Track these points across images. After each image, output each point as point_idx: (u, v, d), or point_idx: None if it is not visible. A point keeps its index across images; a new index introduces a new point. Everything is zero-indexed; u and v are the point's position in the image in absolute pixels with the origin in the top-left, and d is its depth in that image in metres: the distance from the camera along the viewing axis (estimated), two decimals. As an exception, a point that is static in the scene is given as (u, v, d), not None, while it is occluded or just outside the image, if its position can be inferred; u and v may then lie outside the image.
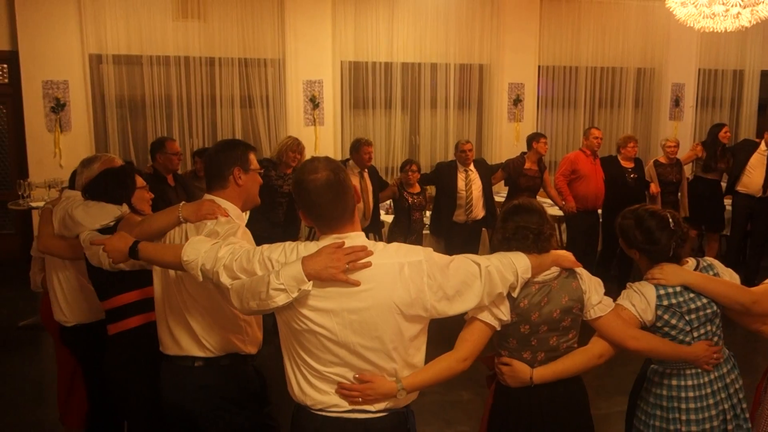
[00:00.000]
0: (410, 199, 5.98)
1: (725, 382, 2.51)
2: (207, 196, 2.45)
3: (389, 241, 5.96)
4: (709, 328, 2.48)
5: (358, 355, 1.91)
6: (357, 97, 8.44)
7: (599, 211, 6.76)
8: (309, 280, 1.83)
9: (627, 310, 2.42)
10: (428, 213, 6.47)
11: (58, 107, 7.25)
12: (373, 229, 5.96)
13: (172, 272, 2.37)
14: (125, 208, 2.82)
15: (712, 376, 2.49)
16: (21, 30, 7.08)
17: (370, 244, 1.93)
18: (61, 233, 2.92)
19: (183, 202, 2.45)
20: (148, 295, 2.69)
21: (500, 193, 7.08)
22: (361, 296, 1.88)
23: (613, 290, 2.50)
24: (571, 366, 2.35)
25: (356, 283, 1.86)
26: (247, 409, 2.44)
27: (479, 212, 6.27)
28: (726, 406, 2.49)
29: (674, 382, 2.49)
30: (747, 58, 9.88)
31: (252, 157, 2.48)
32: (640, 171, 6.79)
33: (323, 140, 8.08)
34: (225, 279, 1.99)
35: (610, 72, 9.48)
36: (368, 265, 1.87)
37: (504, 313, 2.20)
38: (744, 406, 2.56)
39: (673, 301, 2.43)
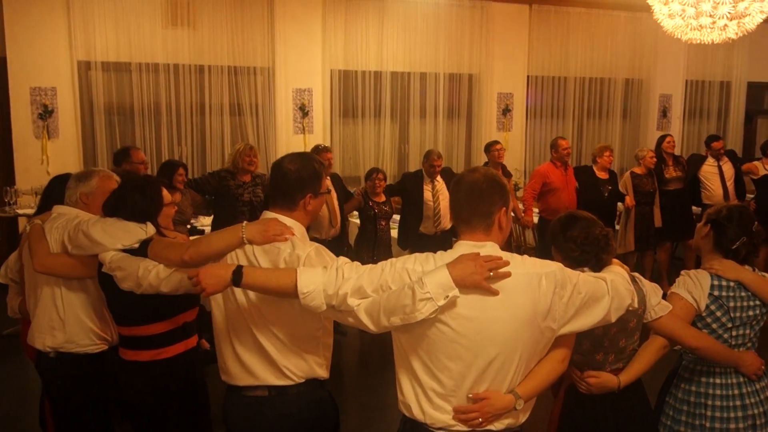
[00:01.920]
0: (376, 209, 5.91)
1: (755, 388, 2.56)
2: (269, 214, 2.29)
3: (356, 250, 5.96)
4: (747, 331, 2.55)
5: (490, 366, 1.88)
6: (346, 105, 8.45)
7: None
8: (456, 287, 1.81)
9: (683, 299, 2.49)
10: (396, 220, 6.38)
11: (45, 114, 7.20)
12: (342, 238, 5.88)
13: (242, 301, 2.20)
14: (150, 228, 2.54)
15: (741, 379, 2.55)
16: (9, 36, 7.04)
17: (508, 256, 1.91)
18: (68, 251, 2.66)
19: (245, 221, 2.20)
20: (177, 324, 2.59)
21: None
22: (504, 305, 1.86)
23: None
24: (646, 363, 2.44)
25: (496, 292, 1.84)
26: None
27: (447, 223, 6.17)
28: (756, 411, 2.54)
29: (703, 379, 2.57)
30: (734, 70, 9.99)
31: (324, 179, 2.37)
32: (614, 183, 6.79)
33: (311, 149, 8.07)
34: (352, 301, 1.91)
35: (598, 82, 9.55)
36: (508, 274, 1.86)
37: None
38: None
39: (724, 293, 2.51)
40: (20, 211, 6.26)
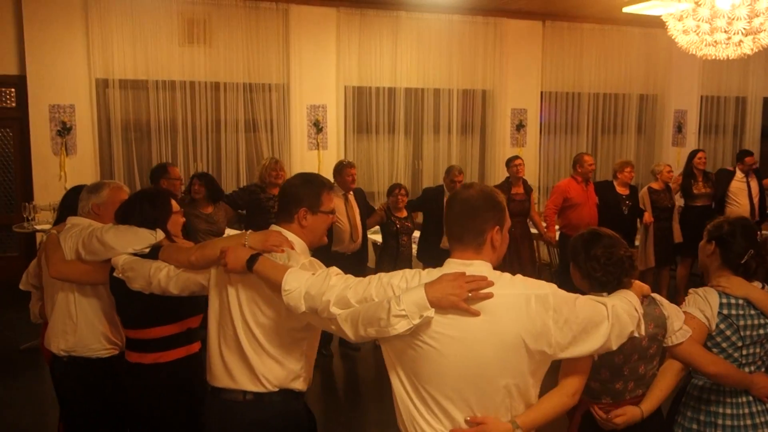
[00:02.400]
0: (398, 224, 5.92)
1: (765, 407, 2.52)
2: (274, 227, 2.38)
3: (378, 265, 5.95)
4: (758, 350, 2.50)
5: (476, 388, 1.83)
6: (360, 121, 8.49)
7: None
8: (431, 307, 1.78)
9: (696, 318, 2.44)
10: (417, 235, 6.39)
11: (64, 131, 7.30)
12: (362, 252, 5.91)
13: (234, 302, 2.29)
14: (160, 234, 2.70)
15: (750, 398, 2.50)
16: (29, 54, 7.16)
17: (496, 275, 1.87)
18: (82, 258, 2.81)
19: (250, 230, 2.36)
20: (181, 329, 2.67)
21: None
22: (486, 326, 1.80)
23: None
24: (667, 389, 2.39)
25: (476, 313, 1.79)
26: None
27: None
28: (766, 430, 2.50)
29: (713, 397, 2.52)
30: (749, 86, 9.94)
31: (324, 198, 2.38)
32: (635, 198, 6.73)
33: (326, 164, 8.09)
34: (334, 309, 1.92)
35: (612, 98, 9.54)
36: (489, 296, 1.81)
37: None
38: None
39: (733, 312, 2.46)
40: (38, 227, 6.31)
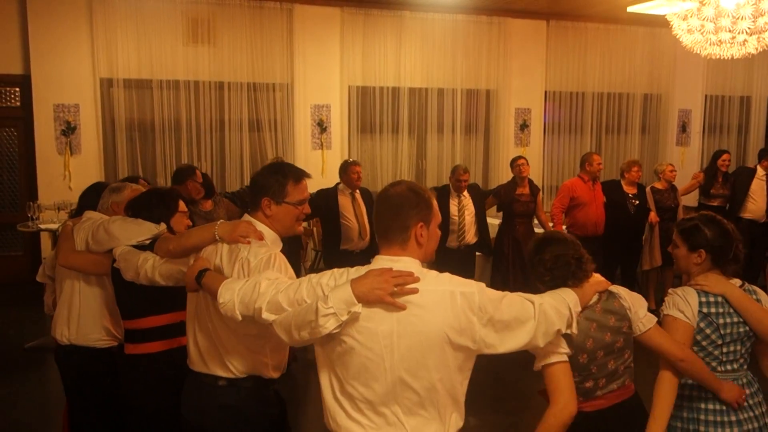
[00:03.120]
0: None
1: (749, 403, 2.51)
2: (246, 217, 2.43)
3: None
4: (738, 347, 2.49)
5: (402, 382, 1.86)
6: (364, 121, 8.50)
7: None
8: (358, 302, 1.82)
9: (678, 320, 2.45)
10: None
11: (68, 130, 7.33)
12: (371, 250, 5.93)
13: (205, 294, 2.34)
14: (163, 227, 2.83)
15: None
16: (33, 54, 7.19)
17: (423, 272, 1.90)
18: (89, 248, 2.95)
19: (221, 220, 2.44)
20: (176, 320, 2.72)
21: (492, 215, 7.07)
22: (411, 320, 1.84)
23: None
24: (668, 406, 2.40)
25: (402, 307, 1.83)
26: None
27: (471, 238, 6.24)
28: (750, 427, 2.49)
29: (695, 393, 2.51)
30: (754, 85, 9.91)
31: (290, 189, 2.36)
32: (642, 197, 6.72)
33: (330, 164, 8.11)
34: (267, 315, 1.96)
35: (616, 98, 9.52)
36: (415, 291, 1.85)
37: (564, 346, 2.17)
38: None
39: (713, 310, 2.45)
40: (43, 226, 6.33)
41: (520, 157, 6.74)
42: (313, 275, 1.98)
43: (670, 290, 2.56)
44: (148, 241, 2.75)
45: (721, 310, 2.46)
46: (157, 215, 2.84)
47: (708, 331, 2.45)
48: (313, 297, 1.90)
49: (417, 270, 1.90)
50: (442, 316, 1.84)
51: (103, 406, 3.13)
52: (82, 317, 3.09)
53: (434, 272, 1.93)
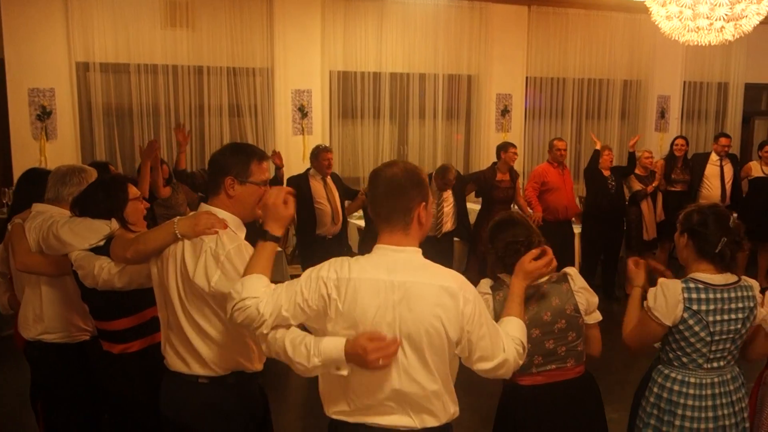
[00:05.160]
0: None
1: (731, 399, 2.50)
2: (203, 206, 2.32)
3: (361, 247, 5.99)
4: (728, 345, 2.48)
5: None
6: (346, 106, 8.45)
7: (572, 221, 6.85)
8: (347, 364, 1.84)
9: (653, 323, 2.48)
10: None
11: (44, 115, 7.20)
12: (343, 235, 5.94)
13: (173, 291, 2.25)
14: (114, 224, 2.67)
15: (717, 390, 2.49)
16: (7, 37, 7.04)
17: (426, 263, 1.93)
18: (43, 251, 2.80)
19: (178, 217, 2.28)
20: (143, 319, 2.65)
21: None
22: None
23: (600, 301, 2.52)
24: (635, 315, 2.59)
25: (386, 364, 1.83)
26: (252, 430, 2.37)
27: (449, 227, 6.26)
28: (728, 423, 2.49)
29: (676, 388, 2.52)
30: (731, 71, 10.00)
31: (254, 168, 2.27)
32: (618, 179, 6.90)
33: (311, 149, 8.08)
34: (272, 332, 1.94)
35: (596, 84, 9.56)
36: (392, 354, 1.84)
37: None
38: (747, 425, 2.56)
39: (703, 307, 2.42)
40: (19, 213, 6.23)
41: (512, 145, 6.75)
42: (311, 269, 1.93)
43: (661, 280, 2.55)
44: (102, 243, 2.61)
45: (712, 307, 2.41)
46: (106, 210, 2.68)
47: (696, 328, 2.43)
48: (315, 296, 1.88)
49: (421, 262, 1.91)
50: (442, 310, 1.88)
51: (77, 401, 3.05)
52: (48, 316, 2.97)
53: (437, 265, 1.95)
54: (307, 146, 8.07)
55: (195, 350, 2.25)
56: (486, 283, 2.46)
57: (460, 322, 1.86)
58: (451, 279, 1.90)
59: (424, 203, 1.94)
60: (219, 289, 2.12)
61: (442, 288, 1.86)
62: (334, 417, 1.97)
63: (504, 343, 1.97)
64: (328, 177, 5.83)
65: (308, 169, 5.84)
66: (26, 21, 7.07)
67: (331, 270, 1.90)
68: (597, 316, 2.47)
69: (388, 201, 1.92)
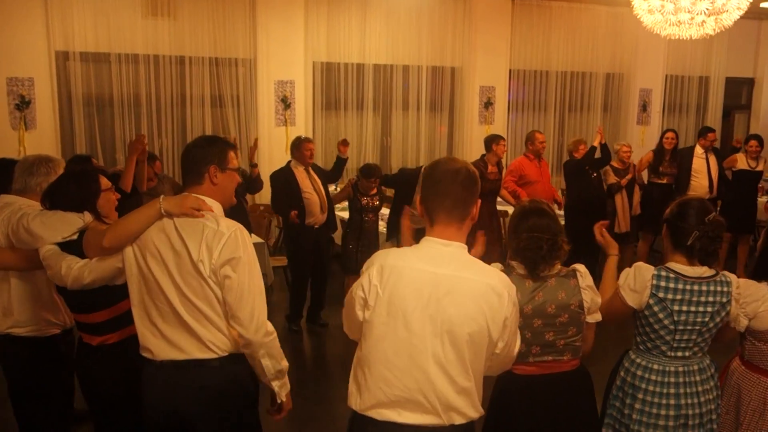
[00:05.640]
0: (364, 201, 5.93)
1: (695, 390, 2.52)
2: (190, 194, 2.33)
3: (343, 240, 5.98)
4: (694, 336, 2.50)
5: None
6: (329, 98, 8.42)
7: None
8: None
9: (622, 301, 2.55)
10: (384, 213, 6.37)
11: (22, 105, 7.10)
12: (330, 223, 5.93)
13: (162, 275, 2.23)
14: (87, 216, 2.62)
15: (681, 379, 2.51)
16: (-15, 25, 6.93)
17: (472, 260, 1.98)
18: (14, 246, 2.72)
19: (163, 195, 2.27)
20: (119, 312, 2.60)
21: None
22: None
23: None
24: (612, 281, 2.62)
25: None
26: (247, 409, 2.39)
27: None
28: (690, 412, 2.51)
29: (639, 372, 2.56)
30: (712, 65, 10.11)
31: (231, 155, 2.39)
32: (597, 172, 6.95)
33: (292, 140, 8.05)
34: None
35: (579, 76, 9.61)
36: None
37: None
38: (714, 417, 2.58)
39: (669, 296, 2.46)
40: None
41: (502, 138, 6.75)
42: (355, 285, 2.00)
43: (636, 264, 2.61)
44: (75, 236, 2.56)
45: (679, 297, 2.44)
46: (78, 202, 2.62)
47: (661, 315, 2.47)
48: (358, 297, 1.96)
49: (468, 258, 1.95)
50: (486, 306, 1.92)
51: (48, 394, 3.00)
52: (17, 310, 2.90)
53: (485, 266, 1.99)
54: (291, 138, 8.02)
55: (194, 333, 2.24)
56: (496, 268, 2.46)
57: (503, 322, 1.89)
58: (497, 278, 1.93)
59: (479, 200, 2.01)
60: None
61: (489, 286, 1.88)
62: (361, 412, 1.96)
63: (516, 347, 2.09)
64: (310, 168, 5.83)
65: (289, 161, 5.82)
66: (5, 9, 6.96)
67: (377, 258, 1.97)
68: (597, 317, 2.47)
69: (455, 196, 1.94)
